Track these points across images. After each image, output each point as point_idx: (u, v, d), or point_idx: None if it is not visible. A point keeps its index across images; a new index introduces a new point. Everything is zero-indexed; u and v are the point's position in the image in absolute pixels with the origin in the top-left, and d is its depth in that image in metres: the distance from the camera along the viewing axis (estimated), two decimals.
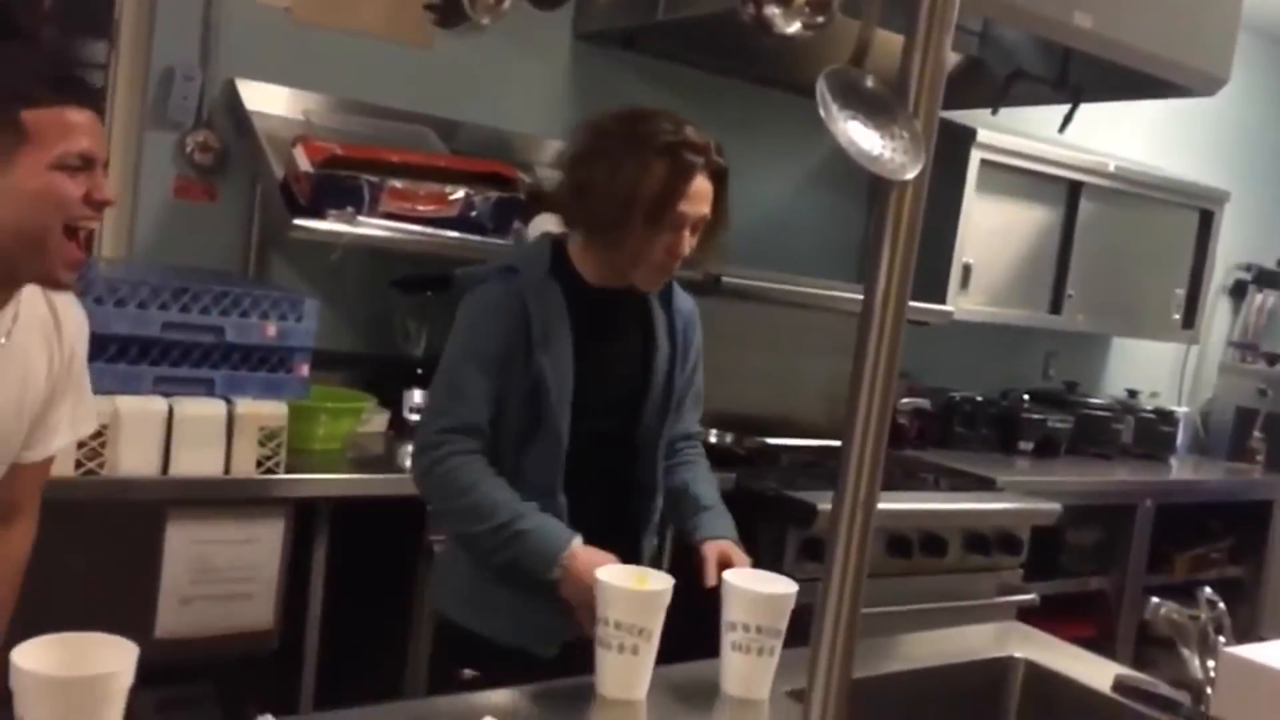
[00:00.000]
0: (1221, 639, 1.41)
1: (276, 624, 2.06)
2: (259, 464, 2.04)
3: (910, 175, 1.00)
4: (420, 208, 2.38)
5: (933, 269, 3.34)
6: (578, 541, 1.55)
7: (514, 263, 1.71)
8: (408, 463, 1.87)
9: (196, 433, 1.99)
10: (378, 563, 2.22)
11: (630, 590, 1.27)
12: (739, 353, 2.90)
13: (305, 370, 2.17)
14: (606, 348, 1.70)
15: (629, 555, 1.56)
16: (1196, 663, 1.44)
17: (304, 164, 2.29)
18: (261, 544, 2.04)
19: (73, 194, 1.29)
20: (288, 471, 2.06)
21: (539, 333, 1.62)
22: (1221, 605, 1.45)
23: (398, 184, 2.35)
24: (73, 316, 1.47)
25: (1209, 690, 1.38)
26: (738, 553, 1.66)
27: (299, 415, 2.15)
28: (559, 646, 1.63)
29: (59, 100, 1.28)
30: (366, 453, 2.36)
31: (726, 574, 1.36)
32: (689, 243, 1.63)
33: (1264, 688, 1.19)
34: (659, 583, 1.28)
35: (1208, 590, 1.45)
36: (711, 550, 1.64)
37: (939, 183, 3.50)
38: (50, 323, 1.44)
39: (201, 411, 2.01)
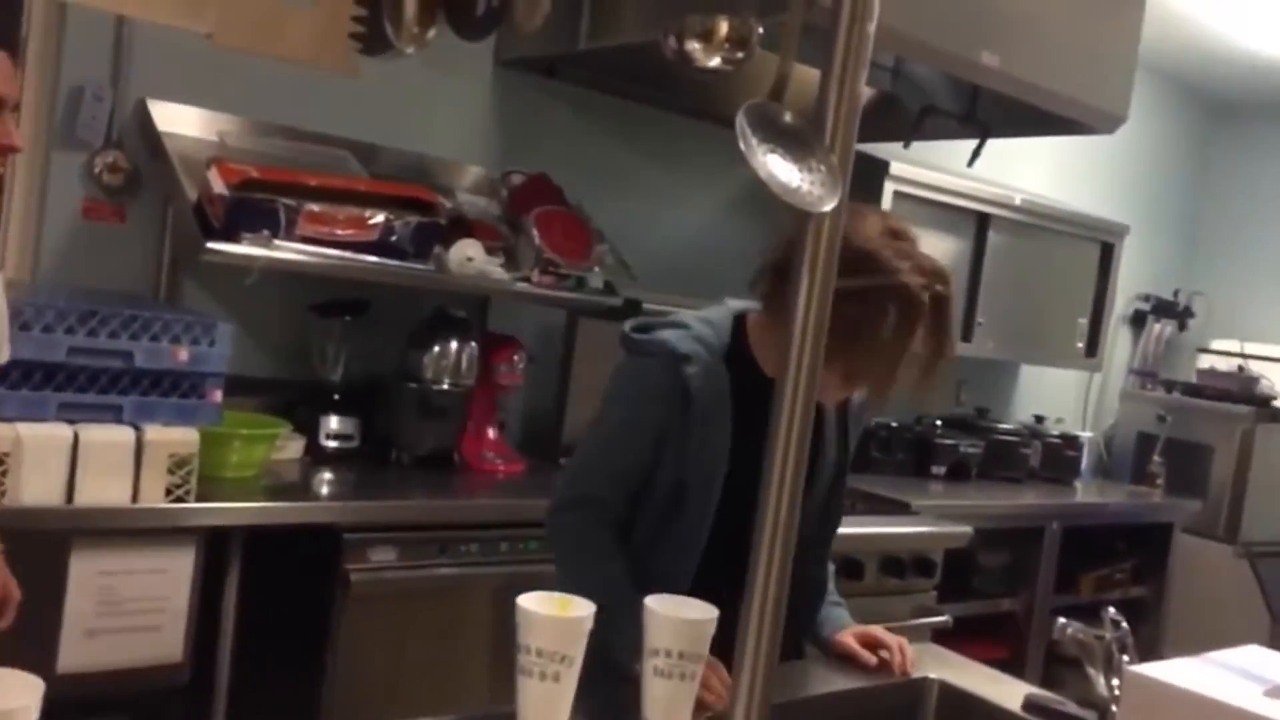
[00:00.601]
0: (1125, 658, 1.46)
1: (187, 656, 2.01)
2: (168, 492, 1.98)
3: (827, 207, 1.02)
4: (339, 232, 2.36)
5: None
6: None
7: (690, 338, 1.55)
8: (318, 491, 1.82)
9: (103, 460, 1.93)
10: (292, 592, 2.17)
11: (552, 616, 1.26)
12: None
13: (218, 396, 2.12)
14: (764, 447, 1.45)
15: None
16: (1102, 681, 1.48)
17: (218, 186, 2.25)
18: (171, 574, 1.98)
19: None
20: (199, 500, 2.01)
21: (699, 418, 1.51)
22: (1124, 625, 1.50)
23: (315, 207, 2.32)
24: None
25: (1114, 708, 1.42)
26: (877, 632, 1.66)
27: (211, 442, 2.10)
28: None
29: None
30: (281, 480, 2.32)
31: (648, 600, 1.35)
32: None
33: (1166, 705, 1.23)
34: (580, 610, 1.28)
35: (1111, 610, 1.50)
36: (849, 638, 1.65)
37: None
38: None
39: (108, 438, 1.95)
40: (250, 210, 2.25)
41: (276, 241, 2.27)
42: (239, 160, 2.37)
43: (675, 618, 1.32)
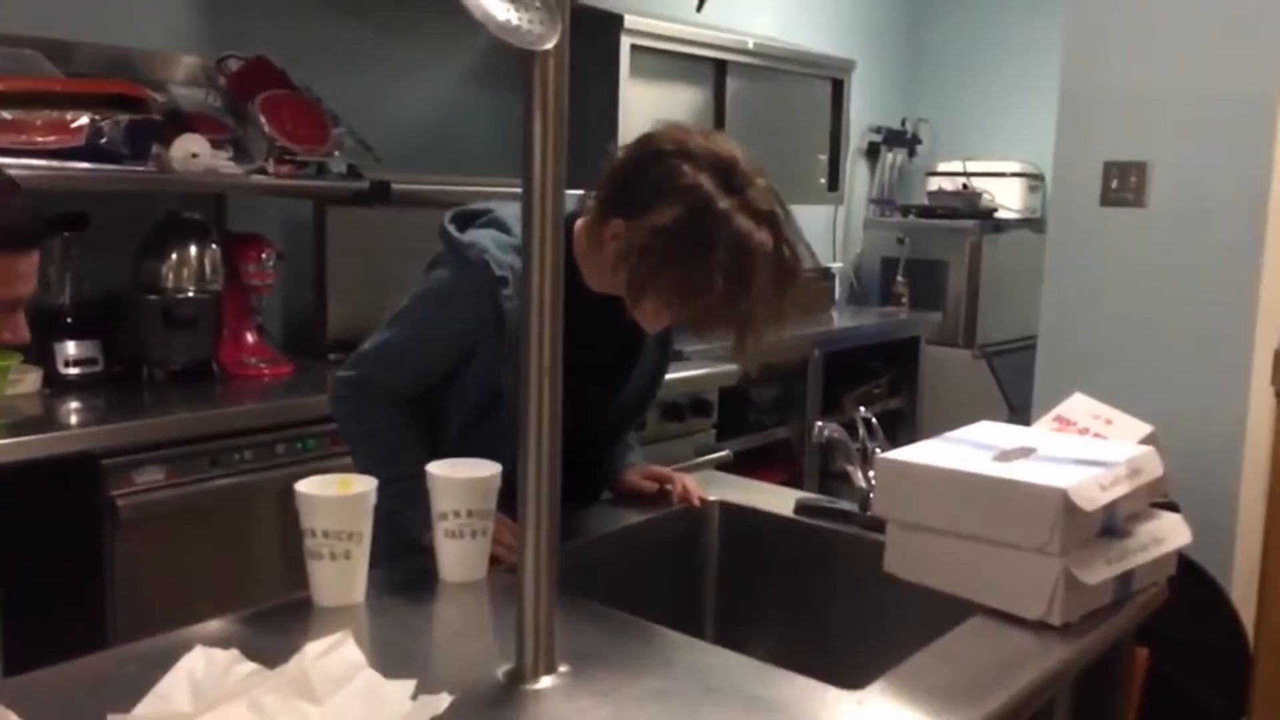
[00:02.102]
0: (878, 449, 1.60)
1: None
2: None
3: (549, 44, 1.02)
4: (39, 139, 2.15)
5: (598, 158, 3.42)
6: None
7: (509, 247, 1.47)
8: None
9: None
10: (56, 528, 2.04)
11: (334, 497, 1.25)
12: (414, 262, 2.87)
13: None
14: (584, 355, 1.37)
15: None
16: (860, 476, 1.62)
17: None
18: None
19: None
20: None
21: (512, 341, 1.38)
22: (874, 421, 1.64)
23: (7, 115, 2.10)
24: None
25: (872, 496, 1.56)
26: (657, 469, 1.74)
27: None
28: None
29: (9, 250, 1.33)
30: (22, 415, 2.15)
31: (430, 465, 1.36)
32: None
33: (913, 480, 1.36)
34: (361, 486, 1.27)
35: (862, 410, 1.64)
36: (633, 475, 1.73)
37: (594, 72, 3.57)
38: None
39: None
40: None
41: None
42: None
43: (457, 478, 1.34)
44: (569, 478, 1.41)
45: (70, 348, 2.37)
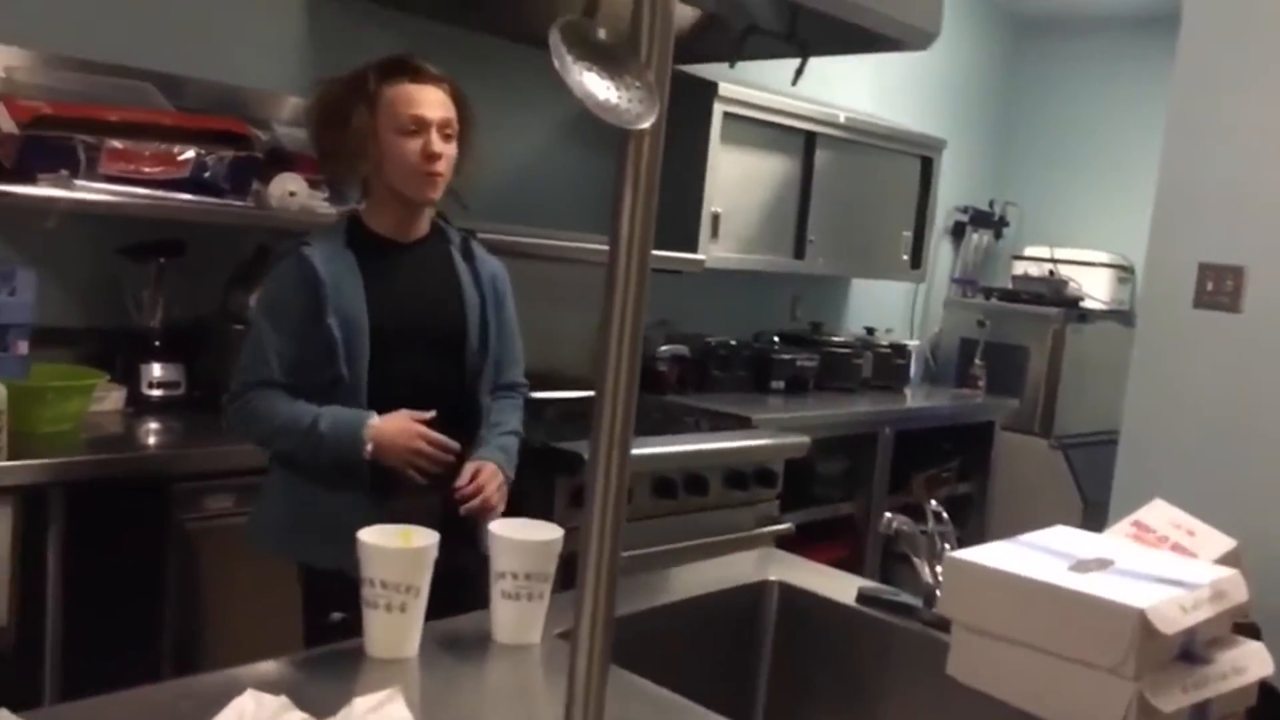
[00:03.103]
0: (946, 545, 1.55)
1: (11, 619, 1.91)
2: None
3: (646, 124, 1.03)
4: (146, 169, 2.23)
5: (684, 219, 3.45)
6: (375, 416, 1.78)
7: (310, 235, 1.87)
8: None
9: None
10: (124, 547, 2.08)
11: (395, 549, 1.25)
12: None
13: (24, 348, 2.00)
14: (410, 296, 1.88)
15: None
16: (927, 569, 1.58)
17: (7, 125, 2.09)
18: None
19: None
20: (11, 458, 1.90)
21: (331, 290, 1.79)
22: (945, 516, 1.60)
23: (118, 144, 2.18)
24: None
25: (938, 592, 1.52)
26: (489, 470, 1.88)
27: (20, 396, 1.98)
28: None
29: None
30: (103, 432, 2.21)
31: (493, 525, 1.37)
32: (440, 144, 1.83)
33: (982, 584, 1.32)
34: (423, 539, 1.27)
35: (933, 503, 1.59)
36: (469, 466, 1.88)
37: (685, 136, 3.62)
38: None
39: None
40: (45, 149, 2.10)
41: (77, 181, 2.13)
42: (30, 96, 2.20)
43: (518, 539, 1.33)
44: (451, 433, 1.86)
45: (155, 369, 2.44)
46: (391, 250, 1.90)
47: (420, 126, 1.83)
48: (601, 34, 1.07)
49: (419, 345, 1.88)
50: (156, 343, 2.46)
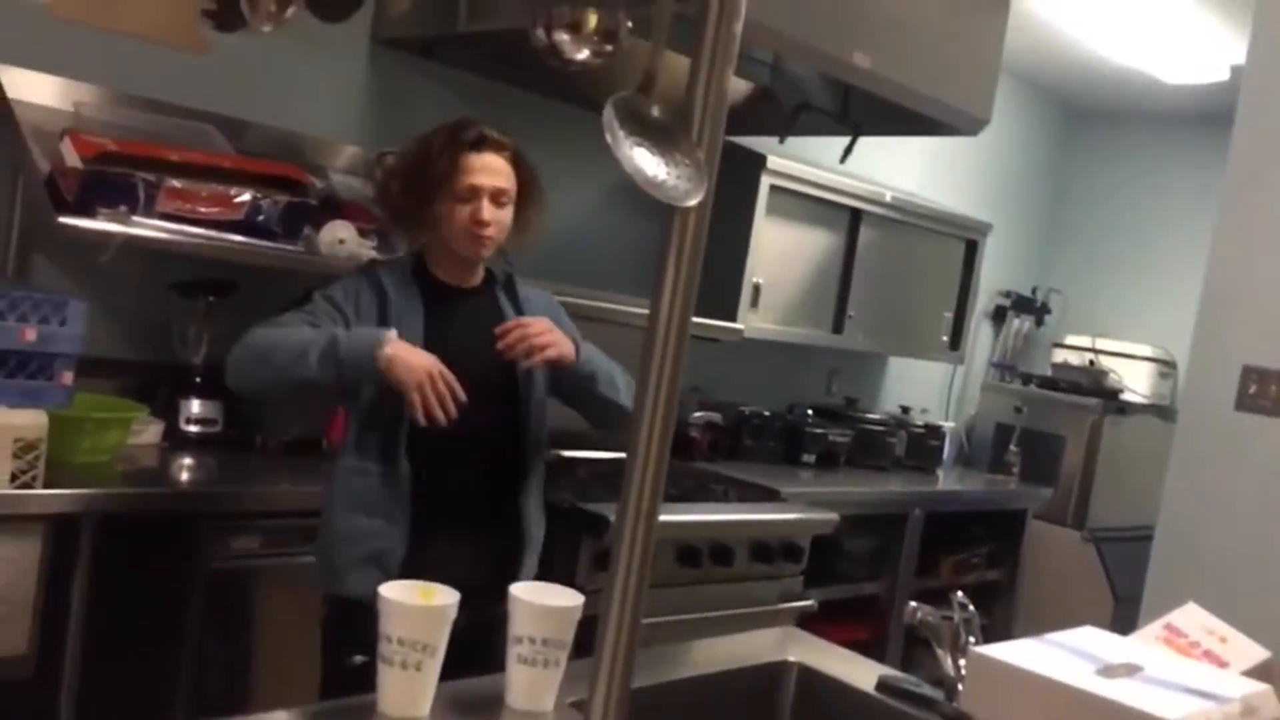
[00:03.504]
0: (971, 638, 1.53)
1: (32, 648, 1.92)
2: (13, 478, 1.89)
3: (692, 201, 1.04)
4: (202, 209, 2.28)
5: (725, 288, 3.46)
6: (393, 331, 1.82)
7: (378, 266, 2.00)
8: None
9: None
10: (148, 582, 2.10)
11: (414, 605, 1.25)
12: None
13: (69, 378, 2.04)
14: (464, 335, 1.94)
15: (508, 528, 1.97)
16: (950, 661, 1.55)
17: (72, 159, 2.16)
18: (15, 564, 1.89)
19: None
20: (46, 486, 1.92)
21: (395, 310, 1.89)
22: (971, 608, 1.57)
23: (177, 183, 2.24)
24: None
25: (960, 686, 1.49)
26: (539, 320, 1.94)
27: (61, 426, 2.01)
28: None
29: None
30: (138, 465, 2.23)
31: (513, 587, 1.36)
32: (492, 211, 1.91)
33: (1006, 683, 1.29)
34: (444, 598, 1.27)
35: (960, 594, 1.57)
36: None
37: (731, 205, 3.64)
38: None
39: None
40: (106, 184, 2.15)
41: (135, 218, 2.18)
42: (96, 132, 2.27)
43: (538, 604, 1.33)
44: (502, 478, 1.98)
45: (194, 406, 2.47)
46: (451, 294, 1.99)
47: (473, 195, 1.91)
48: (655, 110, 1.09)
49: (468, 385, 1.87)
50: (198, 379, 2.49)
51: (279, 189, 2.40)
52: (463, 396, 1.82)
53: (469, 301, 2.01)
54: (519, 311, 2.02)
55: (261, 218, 2.35)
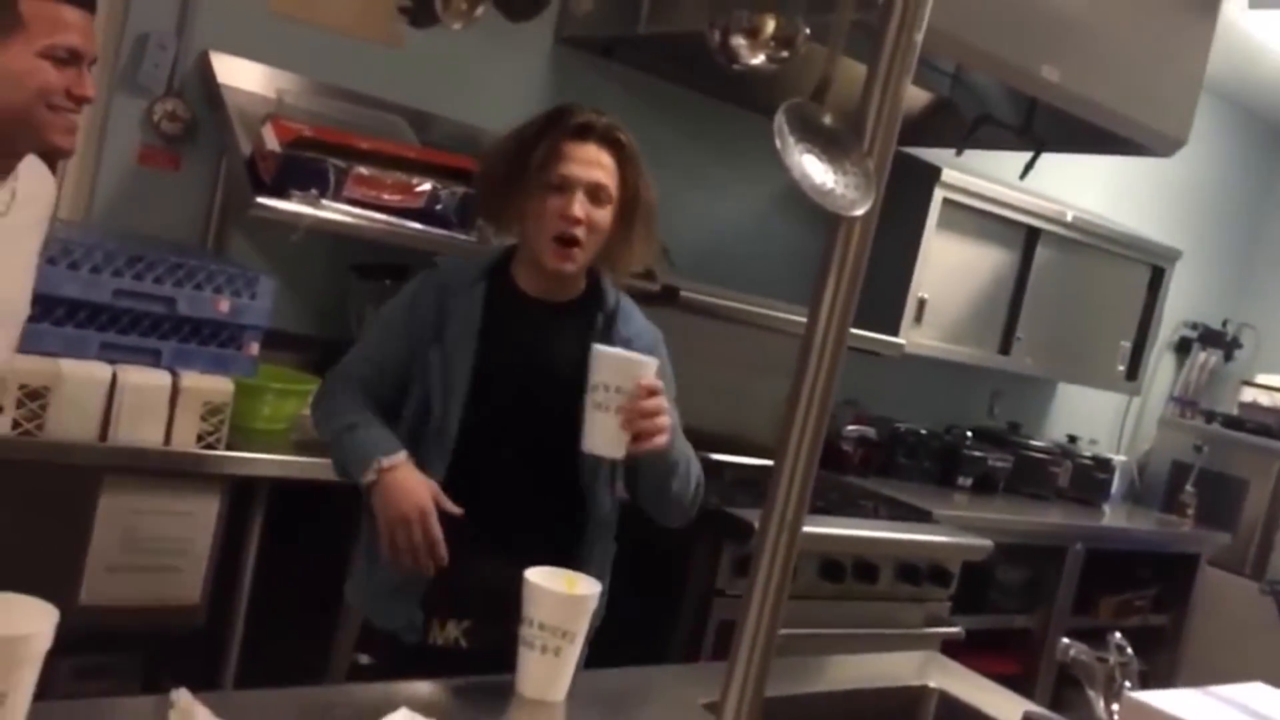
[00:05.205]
0: (1128, 683, 1.45)
1: (204, 600, 2.06)
2: (200, 439, 2.03)
3: (859, 212, 1.03)
4: (385, 196, 2.39)
5: (888, 300, 3.40)
6: (404, 456, 1.60)
7: (454, 259, 1.84)
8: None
9: (139, 402, 1.98)
10: (312, 547, 2.21)
11: (557, 593, 1.28)
12: (691, 366, 2.91)
13: (255, 349, 2.17)
14: (527, 353, 1.70)
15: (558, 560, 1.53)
16: (1102, 705, 1.48)
17: (271, 142, 2.29)
18: (195, 519, 2.03)
19: (55, 82, 1.39)
20: (228, 448, 2.05)
21: (450, 316, 1.69)
22: (1129, 651, 1.49)
23: (364, 170, 2.35)
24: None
25: None
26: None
27: (245, 393, 2.15)
28: (419, 635, 1.64)
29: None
30: (310, 435, 2.35)
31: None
32: (585, 207, 1.63)
33: None
34: (587, 587, 1.30)
35: (1118, 635, 1.50)
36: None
37: (901, 217, 3.57)
38: (47, 203, 1.55)
39: (146, 381, 2.00)
40: (301, 168, 2.28)
41: (324, 201, 2.30)
42: (294, 118, 2.40)
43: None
44: (558, 504, 1.70)
45: None
46: (526, 303, 1.72)
47: (565, 185, 1.64)
48: (828, 118, 1.08)
49: (524, 411, 1.68)
50: None
51: (458, 181, 2.49)
52: (444, 558, 1.55)
53: (545, 314, 1.72)
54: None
55: (440, 207, 2.45)
